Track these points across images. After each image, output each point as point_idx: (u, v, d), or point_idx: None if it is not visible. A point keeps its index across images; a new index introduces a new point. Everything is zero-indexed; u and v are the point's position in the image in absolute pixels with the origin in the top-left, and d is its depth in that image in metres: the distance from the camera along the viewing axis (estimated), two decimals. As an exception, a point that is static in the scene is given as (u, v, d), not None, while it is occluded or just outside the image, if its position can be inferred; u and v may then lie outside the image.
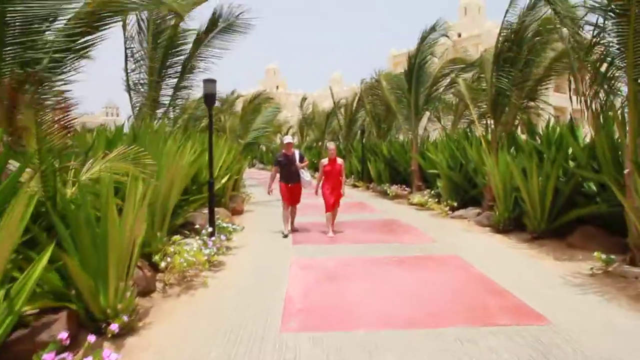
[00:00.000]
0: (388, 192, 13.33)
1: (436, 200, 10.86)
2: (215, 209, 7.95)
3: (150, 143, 5.61)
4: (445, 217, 9.60)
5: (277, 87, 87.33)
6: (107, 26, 4.77)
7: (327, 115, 23.74)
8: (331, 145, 7.75)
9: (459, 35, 46.71)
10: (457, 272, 5.31)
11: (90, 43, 4.73)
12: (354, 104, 20.16)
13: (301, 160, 7.93)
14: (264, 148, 40.66)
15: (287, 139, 8.51)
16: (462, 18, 51.44)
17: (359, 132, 17.12)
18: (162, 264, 4.84)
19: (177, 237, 5.39)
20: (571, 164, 7.35)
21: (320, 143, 24.78)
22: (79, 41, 4.68)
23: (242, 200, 11.43)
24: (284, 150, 8.04)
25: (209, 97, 6.10)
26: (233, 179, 10.46)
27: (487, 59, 10.22)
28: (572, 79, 6.52)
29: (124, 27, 9.18)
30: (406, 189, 13.01)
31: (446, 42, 16.25)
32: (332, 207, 7.66)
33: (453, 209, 9.78)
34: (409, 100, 13.02)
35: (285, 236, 7.64)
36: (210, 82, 6.08)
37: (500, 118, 9.10)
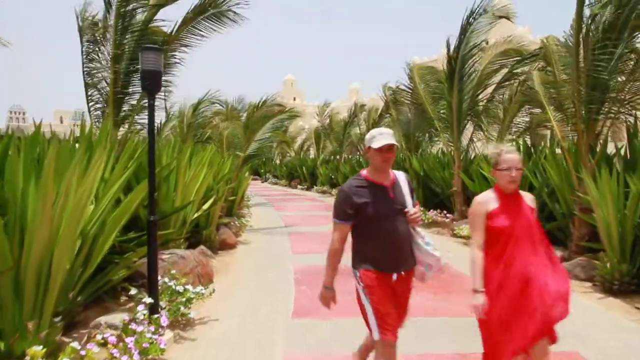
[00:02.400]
0: (423, 218, 10.61)
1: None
2: (184, 252, 5.42)
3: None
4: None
5: (295, 98, 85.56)
6: None
7: (345, 124, 21.16)
8: (512, 156, 2.57)
9: (486, 43, 43.87)
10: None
11: None
12: (378, 112, 17.59)
13: (412, 194, 2.78)
14: (278, 161, 38.36)
15: (380, 136, 2.59)
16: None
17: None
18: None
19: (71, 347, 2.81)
20: None
21: (338, 156, 22.19)
22: None
23: (238, 228, 8.85)
24: (367, 172, 2.76)
25: (151, 77, 3.58)
26: (221, 202, 7.89)
27: (551, 48, 7.60)
28: None
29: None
30: (448, 215, 10.27)
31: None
32: None
33: (521, 249, 7.04)
34: (450, 103, 10.36)
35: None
36: (151, 52, 3.54)
37: (592, 123, 6.39)
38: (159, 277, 4.29)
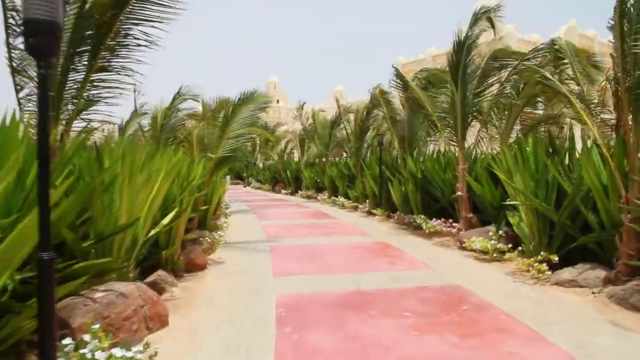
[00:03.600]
0: (424, 227, 9.34)
1: (509, 245, 6.90)
2: (126, 287, 4.05)
3: None
4: (543, 282, 5.62)
5: (278, 101, 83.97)
6: None
7: (331, 124, 19.81)
8: None
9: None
10: None
11: None
12: (365, 111, 16.31)
13: None
14: (261, 165, 36.92)
15: None
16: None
17: (377, 143, 13.15)
18: None
19: None
20: None
21: (324, 159, 20.86)
22: None
23: (210, 244, 7.45)
24: None
25: (40, 32, 2.25)
26: (187, 214, 6.49)
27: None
28: None
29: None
30: (454, 224, 9.00)
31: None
32: None
33: (551, 266, 5.80)
34: (453, 98, 9.13)
35: None
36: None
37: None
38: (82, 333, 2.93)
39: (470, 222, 8.88)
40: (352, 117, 17.74)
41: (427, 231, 9.25)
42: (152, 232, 5.51)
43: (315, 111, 23.42)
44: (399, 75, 10.24)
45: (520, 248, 6.63)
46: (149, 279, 5.29)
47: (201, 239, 7.21)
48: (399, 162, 13.27)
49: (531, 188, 6.42)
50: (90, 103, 6.46)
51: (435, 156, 11.32)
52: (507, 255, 6.42)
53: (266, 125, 27.94)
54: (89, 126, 7.04)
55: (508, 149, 8.02)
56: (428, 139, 13.04)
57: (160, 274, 5.43)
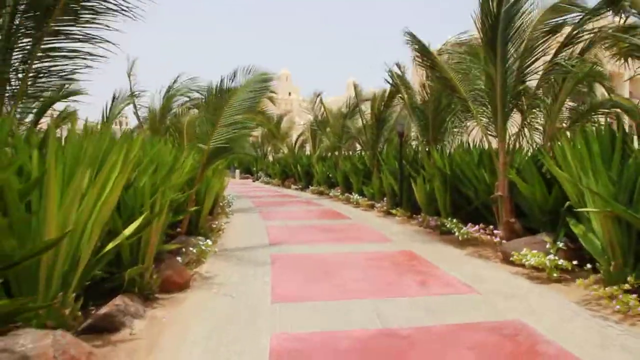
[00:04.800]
0: (456, 233, 7.85)
1: (574, 262, 5.42)
2: (36, 342, 2.66)
3: None
4: (634, 321, 4.13)
5: (290, 93, 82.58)
6: None
7: (344, 116, 18.34)
8: None
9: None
10: None
11: None
12: (384, 99, 14.80)
13: None
14: (271, 158, 35.62)
15: None
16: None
17: (397, 134, 11.65)
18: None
19: None
20: None
21: (337, 152, 19.41)
22: None
23: (197, 256, 6.06)
24: None
25: None
26: (161, 221, 5.08)
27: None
28: None
29: None
30: (495, 231, 7.48)
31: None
32: None
33: (641, 295, 4.31)
34: (493, 79, 7.59)
35: None
36: None
37: None
38: None
39: (513, 228, 7.38)
40: (368, 108, 16.27)
41: (459, 238, 7.77)
42: (110, 246, 4.14)
43: (327, 102, 22.00)
44: (423, 51, 8.68)
45: (589, 266, 5.15)
46: (101, 311, 3.93)
47: (183, 249, 5.81)
48: (419, 156, 11.79)
49: (610, 191, 4.90)
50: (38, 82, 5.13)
51: (466, 148, 9.78)
52: (579, 282, 4.89)
53: (275, 118, 26.61)
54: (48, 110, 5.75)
55: (563, 139, 6.48)
56: (455, 129, 11.55)
57: (118, 303, 4.05)
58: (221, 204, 11.39)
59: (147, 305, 4.61)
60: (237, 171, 39.03)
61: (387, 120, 14.24)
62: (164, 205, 4.87)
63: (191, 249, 5.90)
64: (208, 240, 6.33)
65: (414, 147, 13.87)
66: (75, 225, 3.48)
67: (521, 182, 7.01)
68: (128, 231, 4.33)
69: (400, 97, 11.88)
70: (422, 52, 8.64)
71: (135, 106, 13.88)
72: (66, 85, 7.27)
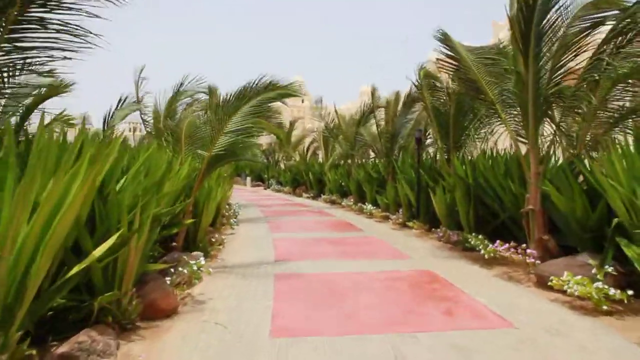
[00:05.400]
0: (482, 250, 7.04)
1: (630, 292, 4.59)
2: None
3: None
4: None
5: (302, 100, 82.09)
6: None
7: (357, 123, 17.59)
8: None
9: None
10: None
11: None
12: (399, 105, 14.05)
13: None
14: (282, 165, 35.01)
15: None
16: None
17: (415, 140, 10.88)
18: None
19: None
20: None
21: (350, 160, 18.68)
22: None
23: (188, 276, 5.35)
24: None
25: None
26: (143, 239, 4.38)
27: None
28: None
29: None
30: (528, 250, 6.62)
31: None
32: None
33: None
34: (524, 79, 6.81)
35: None
36: None
37: None
38: None
39: (546, 246, 6.54)
40: (380, 115, 15.50)
41: (485, 256, 6.95)
42: (75, 270, 3.46)
43: (340, 109, 21.34)
44: (454, 52, 7.92)
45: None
46: (58, 350, 3.24)
47: (172, 270, 5.11)
48: (437, 165, 11.00)
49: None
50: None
51: (491, 156, 8.96)
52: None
53: (286, 125, 26.04)
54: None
55: (612, 146, 5.65)
56: (476, 135, 10.73)
57: (81, 340, 3.36)
58: (226, 213, 10.72)
59: (123, 337, 3.92)
60: (249, 178, 38.47)
61: (404, 125, 13.47)
62: (145, 221, 4.18)
63: (180, 269, 5.19)
64: (201, 259, 5.61)
65: (431, 154, 13.07)
66: (21, 246, 2.80)
67: (558, 195, 6.19)
68: (98, 252, 3.64)
69: (421, 100, 11.06)
70: (453, 53, 7.91)
71: (141, 112, 13.38)
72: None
